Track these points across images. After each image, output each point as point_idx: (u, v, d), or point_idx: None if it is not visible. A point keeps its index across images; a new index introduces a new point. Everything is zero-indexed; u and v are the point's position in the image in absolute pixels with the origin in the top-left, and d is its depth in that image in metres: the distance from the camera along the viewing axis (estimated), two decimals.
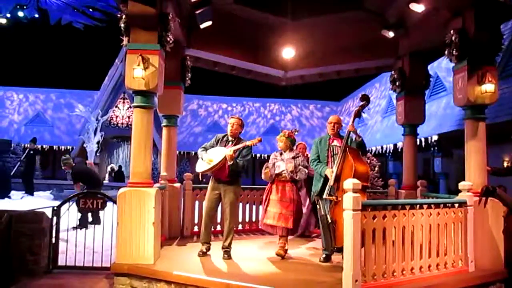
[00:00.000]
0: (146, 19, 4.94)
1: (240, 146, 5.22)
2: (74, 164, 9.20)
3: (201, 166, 5.28)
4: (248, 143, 5.21)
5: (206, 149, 5.37)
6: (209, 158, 5.20)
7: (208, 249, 5.39)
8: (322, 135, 5.46)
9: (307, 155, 6.84)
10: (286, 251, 5.43)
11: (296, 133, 5.82)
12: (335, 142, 5.20)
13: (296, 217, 5.38)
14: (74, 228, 7.30)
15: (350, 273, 3.79)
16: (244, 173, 6.04)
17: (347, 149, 4.97)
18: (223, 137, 5.46)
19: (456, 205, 4.81)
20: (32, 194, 15.07)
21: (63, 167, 9.33)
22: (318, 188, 5.12)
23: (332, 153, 5.16)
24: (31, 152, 15.28)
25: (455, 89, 5.39)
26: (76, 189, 8.90)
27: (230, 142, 5.35)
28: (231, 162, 5.13)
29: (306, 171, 5.49)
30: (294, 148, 5.79)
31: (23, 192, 15.03)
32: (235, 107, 27.45)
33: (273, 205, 5.40)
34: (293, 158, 5.46)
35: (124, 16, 4.96)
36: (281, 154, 5.58)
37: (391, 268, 4.18)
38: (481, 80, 5.05)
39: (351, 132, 5.07)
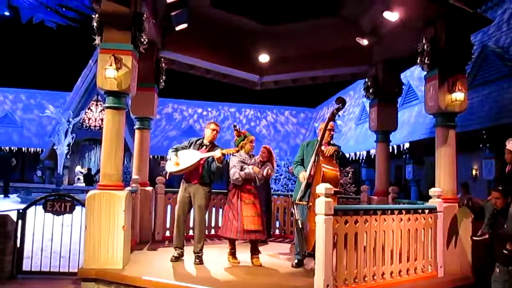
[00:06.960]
0: (120, 18, 4.85)
1: (230, 150, 5.14)
2: None
3: (171, 167, 5.20)
4: (225, 151, 5.09)
5: (177, 150, 5.30)
6: (176, 161, 5.14)
7: (181, 254, 5.30)
8: (309, 140, 5.42)
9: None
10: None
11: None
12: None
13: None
14: None
15: (322, 278, 3.80)
16: (219, 179, 5.90)
17: (320, 153, 4.95)
18: (197, 140, 5.41)
19: (426, 211, 4.88)
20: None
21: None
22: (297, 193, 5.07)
23: None
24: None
25: (426, 96, 5.49)
26: None
27: (205, 147, 5.31)
28: (220, 165, 5.09)
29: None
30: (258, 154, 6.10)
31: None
32: (211, 111, 27.30)
33: (248, 209, 5.18)
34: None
35: (97, 15, 4.86)
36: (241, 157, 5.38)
37: (362, 273, 4.21)
38: (451, 88, 5.15)
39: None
